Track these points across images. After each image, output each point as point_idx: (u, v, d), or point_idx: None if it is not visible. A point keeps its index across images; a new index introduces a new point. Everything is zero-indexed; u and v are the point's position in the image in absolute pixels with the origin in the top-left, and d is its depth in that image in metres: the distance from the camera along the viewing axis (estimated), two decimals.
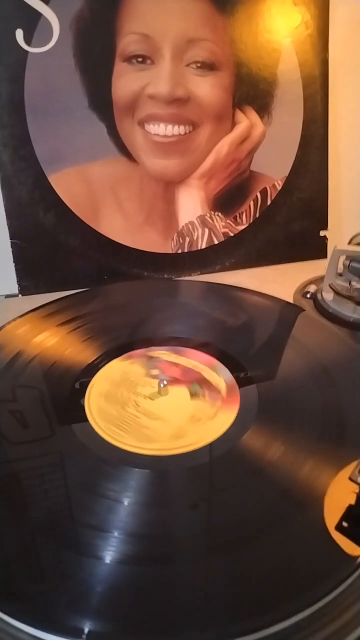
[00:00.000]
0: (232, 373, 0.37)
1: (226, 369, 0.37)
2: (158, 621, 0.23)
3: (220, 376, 0.36)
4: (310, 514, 0.27)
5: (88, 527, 0.27)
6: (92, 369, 0.37)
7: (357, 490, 0.26)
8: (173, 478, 0.30)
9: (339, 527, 0.26)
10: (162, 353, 0.39)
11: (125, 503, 0.28)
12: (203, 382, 0.36)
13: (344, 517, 0.26)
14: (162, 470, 0.30)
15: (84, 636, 0.22)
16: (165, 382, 0.35)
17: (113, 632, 0.23)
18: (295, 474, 0.29)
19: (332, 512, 0.26)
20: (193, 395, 0.35)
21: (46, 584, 0.25)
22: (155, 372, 0.37)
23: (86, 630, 0.22)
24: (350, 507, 0.26)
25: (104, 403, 0.34)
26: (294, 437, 0.31)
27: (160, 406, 0.34)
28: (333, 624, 0.24)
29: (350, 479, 0.26)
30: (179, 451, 0.31)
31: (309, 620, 0.23)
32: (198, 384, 0.36)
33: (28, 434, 0.33)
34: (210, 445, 0.31)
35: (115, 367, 0.37)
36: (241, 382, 0.36)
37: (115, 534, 0.26)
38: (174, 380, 0.36)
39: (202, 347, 0.39)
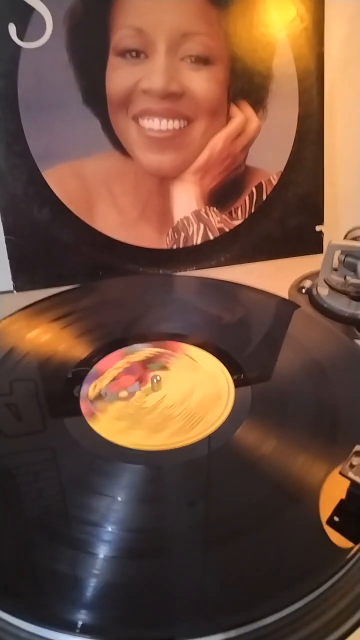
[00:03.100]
0: (231, 372, 0.37)
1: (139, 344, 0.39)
2: (152, 614, 0.23)
3: (140, 350, 0.38)
4: (303, 508, 0.27)
5: (81, 521, 0.27)
6: (85, 364, 0.37)
7: (348, 485, 0.26)
8: (166, 473, 0.30)
9: (330, 522, 0.26)
10: (94, 387, 0.36)
11: (119, 499, 0.28)
12: (146, 362, 0.37)
13: (335, 512, 0.26)
14: (155, 465, 0.30)
15: (77, 629, 0.23)
16: (158, 378, 0.35)
17: (108, 625, 0.23)
18: (289, 469, 0.29)
19: (325, 508, 0.27)
20: (160, 369, 0.36)
21: (39, 578, 0.25)
22: (123, 394, 0.35)
23: (80, 623, 0.23)
24: (341, 501, 0.26)
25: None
26: (288, 432, 0.32)
27: (164, 395, 0.35)
28: (325, 616, 0.24)
29: (341, 473, 0.26)
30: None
31: (300, 613, 0.24)
32: (153, 365, 0.37)
33: (21, 428, 0.33)
34: (208, 440, 0.31)
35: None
36: (237, 382, 0.36)
37: (109, 528, 0.26)
38: (137, 380, 0.36)
39: (197, 342, 0.39)
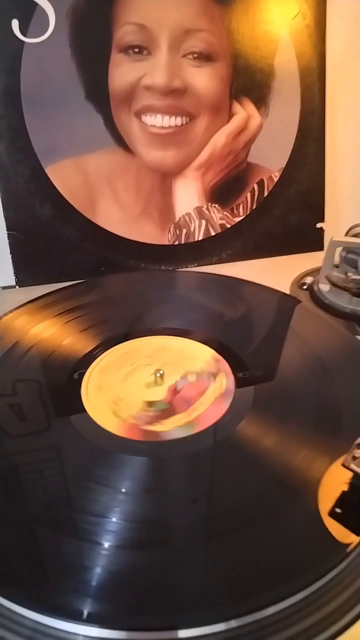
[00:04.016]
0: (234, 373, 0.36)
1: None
2: (155, 603, 0.23)
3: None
4: (304, 501, 0.27)
5: (86, 512, 0.27)
6: (88, 360, 0.37)
7: (351, 477, 0.26)
8: (169, 465, 0.30)
9: (332, 514, 0.26)
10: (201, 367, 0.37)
11: (123, 490, 0.28)
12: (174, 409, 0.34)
13: (337, 504, 0.26)
14: (158, 457, 0.30)
15: (83, 618, 0.23)
16: (161, 372, 0.35)
17: (112, 613, 0.23)
18: (291, 462, 0.29)
19: (327, 499, 0.27)
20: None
21: (44, 568, 0.25)
22: (181, 383, 0.35)
23: (85, 612, 0.23)
24: (343, 493, 0.27)
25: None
26: (290, 426, 0.32)
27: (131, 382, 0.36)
28: (327, 607, 0.24)
29: (343, 465, 0.26)
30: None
31: (302, 604, 0.24)
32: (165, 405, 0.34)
33: (26, 425, 0.33)
34: (209, 432, 0.31)
35: (181, 344, 0.39)
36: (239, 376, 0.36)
37: (114, 519, 0.27)
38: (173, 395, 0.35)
39: (199, 338, 0.39)
